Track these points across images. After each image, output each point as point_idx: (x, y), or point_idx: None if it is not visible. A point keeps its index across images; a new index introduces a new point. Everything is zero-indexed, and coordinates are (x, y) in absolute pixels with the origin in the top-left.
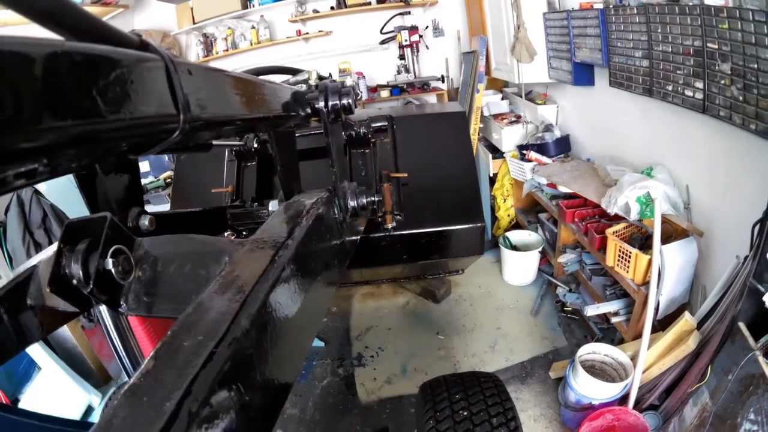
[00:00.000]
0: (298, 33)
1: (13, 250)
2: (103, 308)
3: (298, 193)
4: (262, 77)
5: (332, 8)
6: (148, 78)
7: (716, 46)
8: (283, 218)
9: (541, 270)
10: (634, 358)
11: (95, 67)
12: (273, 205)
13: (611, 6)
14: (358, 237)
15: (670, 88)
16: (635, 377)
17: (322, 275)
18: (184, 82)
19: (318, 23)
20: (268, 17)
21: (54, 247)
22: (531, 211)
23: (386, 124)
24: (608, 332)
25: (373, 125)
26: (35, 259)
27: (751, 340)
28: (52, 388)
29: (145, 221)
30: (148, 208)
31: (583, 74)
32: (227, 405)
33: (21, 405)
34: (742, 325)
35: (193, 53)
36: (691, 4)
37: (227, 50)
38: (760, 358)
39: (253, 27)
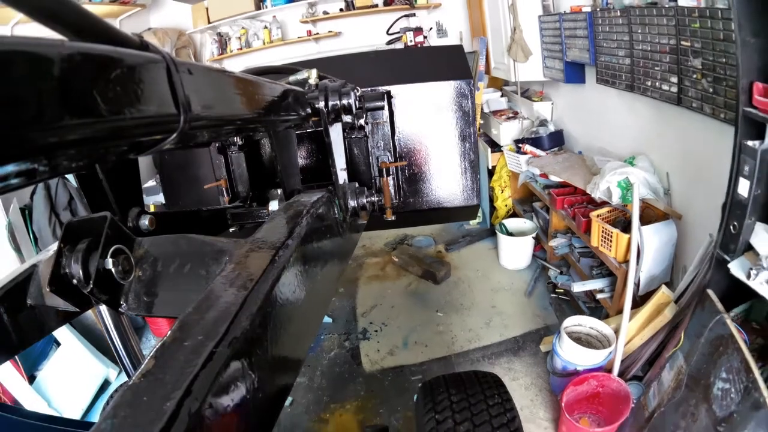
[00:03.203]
0: (309, 33)
1: (39, 230)
2: (103, 308)
3: (298, 193)
4: (261, 77)
5: (341, 10)
6: (149, 78)
7: (689, 44)
8: (284, 218)
9: (536, 256)
10: (617, 330)
11: (97, 66)
12: (273, 205)
13: (598, 9)
14: (359, 235)
15: (648, 83)
16: (618, 346)
17: (322, 274)
18: (184, 81)
19: (328, 24)
20: (281, 18)
21: (54, 246)
22: (526, 201)
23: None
24: (595, 311)
25: (368, 105)
26: (35, 259)
27: (719, 305)
28: (70, 362)
29: (145, 221)
30: (157, 204)
31: (574, 73)
32: (227, 404)
33: (38, 381)
34: (710, 292)
35: (208, 51)
36: (667, 5)
37: (241, 49)
38: (728, 321)
39: (266, 27)
